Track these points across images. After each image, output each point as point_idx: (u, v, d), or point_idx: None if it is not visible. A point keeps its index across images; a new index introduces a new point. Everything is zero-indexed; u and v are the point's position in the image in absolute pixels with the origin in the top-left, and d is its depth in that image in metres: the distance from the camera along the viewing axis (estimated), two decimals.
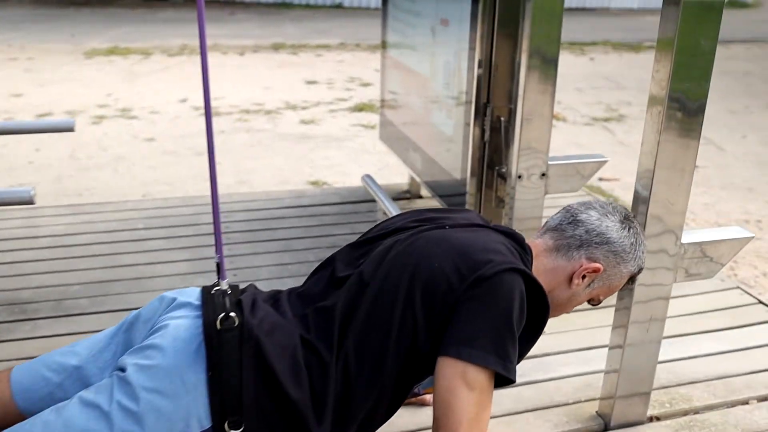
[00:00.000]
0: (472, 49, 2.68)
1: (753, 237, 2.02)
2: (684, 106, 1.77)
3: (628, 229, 1.63)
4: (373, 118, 6.59)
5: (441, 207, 1.76)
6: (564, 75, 3.96)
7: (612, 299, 1.95)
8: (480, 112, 2.71)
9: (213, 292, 1.55)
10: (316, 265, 1.72)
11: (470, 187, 2.79)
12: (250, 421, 1.43)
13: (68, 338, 2.45)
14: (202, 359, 1.44)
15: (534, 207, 2.46)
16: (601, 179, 5.15)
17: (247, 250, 3.23)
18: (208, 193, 4.27)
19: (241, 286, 1.65)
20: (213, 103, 6.97)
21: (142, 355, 1.46)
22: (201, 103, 6.95)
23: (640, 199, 1.89)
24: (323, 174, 5.03)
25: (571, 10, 14.35)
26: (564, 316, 1.76)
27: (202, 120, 6.38)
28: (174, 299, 1.58)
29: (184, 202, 3.78)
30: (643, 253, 1.66)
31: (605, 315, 2.67)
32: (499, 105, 2.69)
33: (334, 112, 6.90)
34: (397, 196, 3.94)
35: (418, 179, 3.49)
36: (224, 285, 1.54)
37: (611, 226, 1.62)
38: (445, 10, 2.91)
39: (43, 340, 2.50)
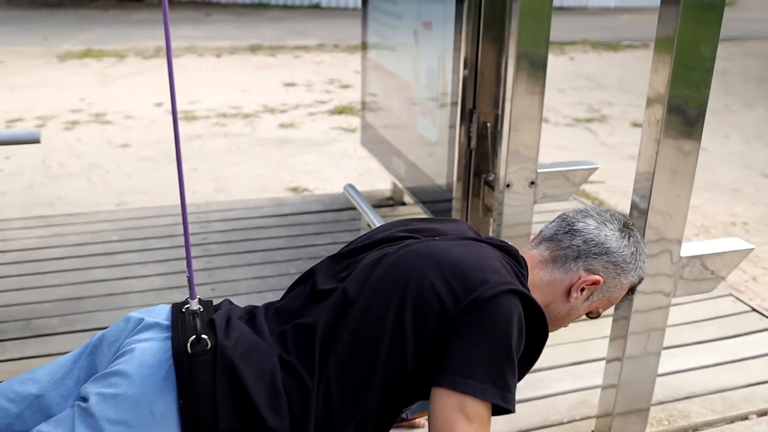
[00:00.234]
0: (456, 52, 2.58)
1: (753, 249, 1.94)
2: (684, 114, 1.68)
3: (628, 238, 1.53)
4: (354, 121, 6.48)
5: (428, 217, 1.64)
6: None
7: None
8: (466, 118, 2.62)
9: (184, 310, 1.43)
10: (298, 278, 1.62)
11: (456, 195, 2.70)
12: None
13: (37, 360, 2.33)
14: (171, 386, 1.33)
15: (523, 216, 2.37)
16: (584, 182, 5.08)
17: (225, 263, 3.11)
18: (186, 202, 4.15)
19: (216, 301, 1.54)
20: (189, 107, 6.83)
21: (106, 383, 1.34)
22: (179, 107, 6.79)
23: (638, 211, 1.81)
24: (303, 180, 4.91)
25: None
26: None
27: (180, 124, 6.23)
28: (141, 320, 1.45)
29: (160, 212, 3.65)
30: (644, 262, 1.56)
31: (596, 326, 2.60)
32: (485, 111, 2.61)
33: (314, 115, 6.78)
34: (380, 204, 3.84)
35: (401, 186, 3.39)
36: (194, 305, 1.42)
37: (610, 236, 1.51)
38: (428, 12, 2.82)
39: (11, 364, 2.37)
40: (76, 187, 4.65)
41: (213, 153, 5.52)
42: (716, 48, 1.65)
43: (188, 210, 3.71)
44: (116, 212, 3.74)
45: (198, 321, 1.39)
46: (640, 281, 1.58)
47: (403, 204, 3.88)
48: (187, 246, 1.36)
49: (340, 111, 6.90)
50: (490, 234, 2.48)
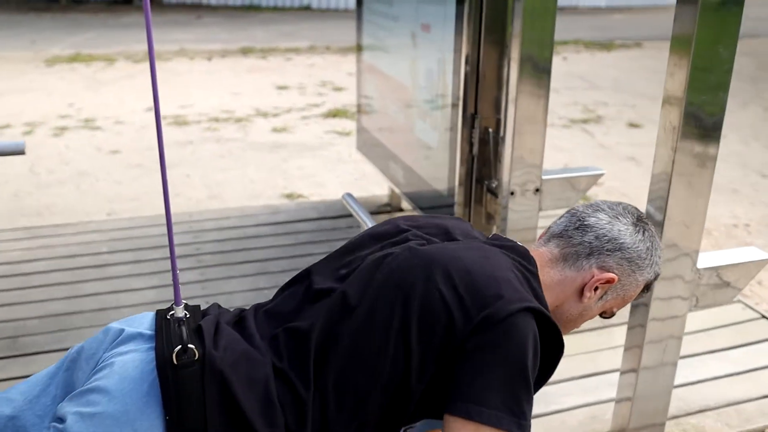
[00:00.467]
0: (457, 55, 2.50)
1: None
2: (701, 120, 1.60)
3: (643, 232, 1.43)
4: (348, 125, 6.39)
5: (432, 215, 1.53)
6: None
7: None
8: (467, 123, 2.54)
9: (169, 317, 1.32)
10: (292, 278, 1.50)
11: (458, 203, 2.62)
12: None
13: None
14: (155, 401, 1.22)
15: (527, 224, 2.30)
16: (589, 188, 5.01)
17: (219, 274, 3.02)
18: (178, 211, 4.06)
19: (203, 306, 1.43)
20: (181, 112, 6.73)
21: (84, 401, 1.23)
22: (170, 111, 6.70)
23: (654, 221, 1.73)
24: (298, 186, 4.82)
25: None
26: None
27: (171, 130, 6.15)
28: (121, 331, 1.33)
29: (151, 222, 3.56)
30: (660, 258, 1.46)
31: (603, 337, 2.53)
32: (487, 115, 2.53)
33: (307, 118, 6.69)
34: (378, 210, 3.75)
35: (398, 191, 3.31)
36: (180, 311, 1.30)
37: (624, 230, 1.42)
38: (426, 14, 2.73)
39: None
40: (64, 196, 4.55)
41: (205, 158, 5.42)
42: (735, 50, 1.57)
43: (181, 219, 3.62)
44: (106, 222, 3.64)
45: (184, 329, 1.28)
46: (656, 278, 1.47)
47: (401, 210, 3.79)
48: (171, 247, 1.25)
49: (333, 114, 6.81)
50: None
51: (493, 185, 2.55)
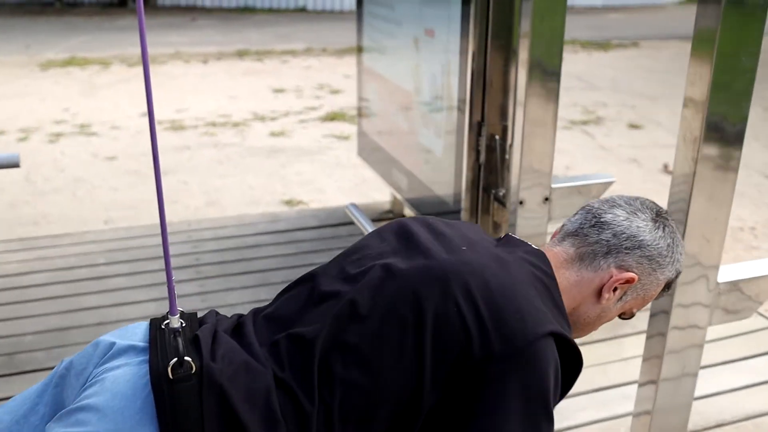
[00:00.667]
0: (463, 61, 2.45)
1: None
2: (723, 130, 1.55)
3: (663, 228, 1.35)
4: (346, 128, 6.33)
5: (444, 219, 1.43)
6: None
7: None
8: (473, 131, 2.48)
9: (163, 326, 1.24)
10: (294, 280, 1.41)
11: (464, 212, 2.56)
12: None
13: None
14: (149, 419, 1.14)
15: (536, 234, 2.24)
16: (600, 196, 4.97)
17: (219, 286, 2.96)
18: (176, 219, 3.99)
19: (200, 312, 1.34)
20: (177, 116, 6.66)
21: (73, 420, 1.15)
22: (166, 116, 6.63)
23: None
24: (297, 192, 4.76)
25: None
26: None
27: (167, 135, 6.08)
28: (112, 344, 1.25)
29: (149, 231, 3.49)
30: (681, 254, 1.38)
31: (613, 348, 2.47)
32: (493, 122, 2.47)
33: (305, 122, 6.62)
34: (380, 217, 3.69)
35: (400, 198, 3.26)
36: (175, 321, 1.22)
37: (643, 227, 1.34)
38: (430, 19, 2.68)
39: None
40: (61, 204, 4.48)
41: (203, 164, 5.36)
42: (758, 57, 1.52)
43: (179, 228, 3.56)
44: (104, 232, 3.57)
45: (180, 340, 1.20)
46: (677, 275, 1.40)
47: (403, 217, 3.73)
48: (166, 253, 1.18)
49: (331, 117, 6.75)
50: None
51: (501, 194, 2.49)
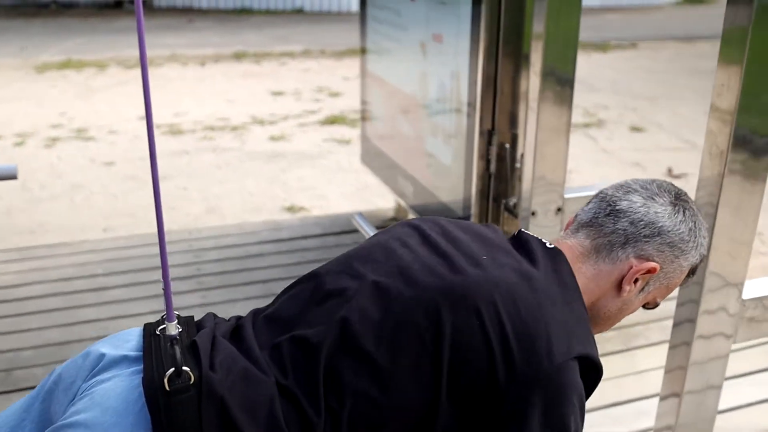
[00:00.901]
0: (472, 69, 2.39)
1: None
2: (751, 144, 1.49)
3: (683, 212, 1.27)
4: (346, 132, 6.27)
5: (456, 220, 1.35)
6: None
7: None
8: (484, 140, 2.42)
9: (159, 332, 1.15)
10: (296, 279, 1.32)
11: (474, 222, 2.50)
12: None
13: None
14: None
15: None
16: None
17: (222, 297, 2.89)
18: (176, 227, 3.92)
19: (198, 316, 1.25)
20: (175, 120, 6.59)
21: None
22: (164, 120, 6.56)
23: None
24: (298, 198, 4.69)
25: None
26: None
27: (166, 139, 6.01)
28: (102, 355, 1.16)
29: (149, 240, 3.42)
30: (705, 238, 1.30)
31: (627, 360, 2.42)
32: (504, 131, 2.41)
33: (304, 126, 6.56)
34: (384, 225, 3.63)
35: (405, 205, 3.20)
36: (172, 328, 1.14)
37: (661, 212, 1.25)
38: (438, 24, 2.61)
39: None
40: (58, 212, 4.41)
41: (202, 170, 5.29)
42: None
43: (179, 236, 3.49)
44: (102, 242, 3.50)
45: (177, 348, 1.11)
46: (701, 260, 1.32)
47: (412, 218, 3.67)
48: (163, 256, 1.11)
49: (331, 121, 6.69)
50: None
51: (511, 204, 2.43)
